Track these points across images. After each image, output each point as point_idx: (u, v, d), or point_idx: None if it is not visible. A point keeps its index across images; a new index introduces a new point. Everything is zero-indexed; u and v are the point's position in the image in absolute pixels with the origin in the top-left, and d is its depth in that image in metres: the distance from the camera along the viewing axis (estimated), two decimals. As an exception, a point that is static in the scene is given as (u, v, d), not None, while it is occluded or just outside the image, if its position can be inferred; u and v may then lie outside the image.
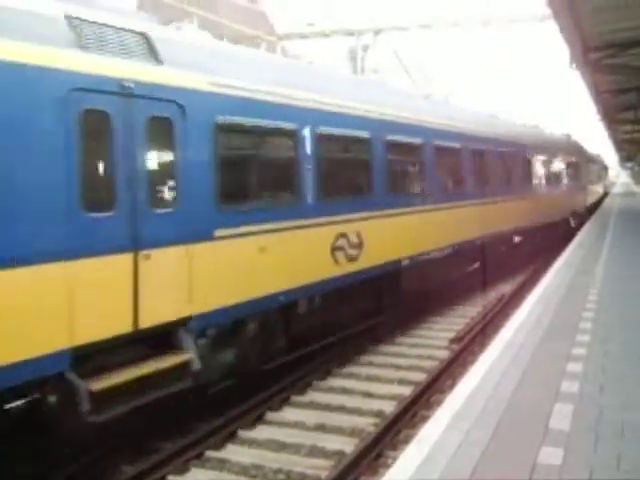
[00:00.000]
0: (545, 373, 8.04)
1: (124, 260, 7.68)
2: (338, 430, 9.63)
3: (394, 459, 6.75)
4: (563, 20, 14.98)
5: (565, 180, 31.20)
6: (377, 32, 25.30)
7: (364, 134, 12.80)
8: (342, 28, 26.56)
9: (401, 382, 11.69)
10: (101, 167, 7.84)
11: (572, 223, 31.96)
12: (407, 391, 11.08)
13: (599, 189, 58.84)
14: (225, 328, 9.53)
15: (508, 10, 29.48)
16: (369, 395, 11.04)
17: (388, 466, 7.31)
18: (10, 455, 7.42)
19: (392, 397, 10.89)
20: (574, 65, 19.58)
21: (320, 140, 11.32)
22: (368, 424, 9.76)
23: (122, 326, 7.67)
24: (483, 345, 12.43)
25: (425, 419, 8.65)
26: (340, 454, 8.77)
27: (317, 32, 28.48)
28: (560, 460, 5.63)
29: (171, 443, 9.07)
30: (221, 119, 9.16)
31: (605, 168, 77.94)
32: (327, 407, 10.55)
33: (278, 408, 10.51)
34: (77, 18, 7.68)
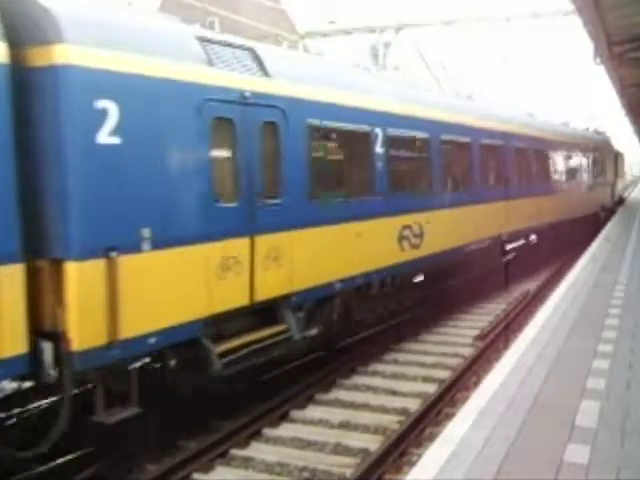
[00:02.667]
0: (571, 370, 7.98)
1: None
2: (363, 428, 9.62)
3: (419, 457, 6.72)
4: (586, 14, 14.84)
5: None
6: (399, 29, 25.19)
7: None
8: (364, 25, 26.49)
9: (426, 380, 11.65)
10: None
11: (601, 216, 32.48)
12: (432, 389, 11.05)
13: (622, 183, 59.51)
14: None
15: (531, 5, 29.28)
16: (394, 393, 11.02)
17: (413, 464, 7.29)
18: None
19: (417, 395, 10.86)
20: (598, 60, 19.37)
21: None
22: (393, 422, 9.74)
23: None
24: (508, 342, 12.37)
25: (450, 417, 8.62)
26: (365, 452, 8.76)
27: (339, 30, 28.41)
28: (586, 458, 5.59)
29: (196, 441, 9.11)
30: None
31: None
32: (352, 405, 10.54)
33: (302, 406, 10.52)
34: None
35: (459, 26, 27.96)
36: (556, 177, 24.29)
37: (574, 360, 8.35)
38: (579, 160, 28.08)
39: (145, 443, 8.73)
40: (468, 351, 13.27)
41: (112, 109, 7.13)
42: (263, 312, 9.60)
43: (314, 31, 29.91)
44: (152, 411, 8.20)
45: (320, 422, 9.91)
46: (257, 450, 9.08)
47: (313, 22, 32.26)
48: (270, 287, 9.49)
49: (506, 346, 11.73)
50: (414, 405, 10.32)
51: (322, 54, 20.19)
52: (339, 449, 8.93)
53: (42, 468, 7.97)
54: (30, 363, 6.77)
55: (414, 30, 26.25)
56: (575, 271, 15.56)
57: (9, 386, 8.05)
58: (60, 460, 8.15)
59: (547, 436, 6.06)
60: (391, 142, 12.60)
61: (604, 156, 34.74)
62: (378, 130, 12.21)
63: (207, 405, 9.70)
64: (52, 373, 6.94)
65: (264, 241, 9.30)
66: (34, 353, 6.80)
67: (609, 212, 34.69)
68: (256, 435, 9.49)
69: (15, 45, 6.73)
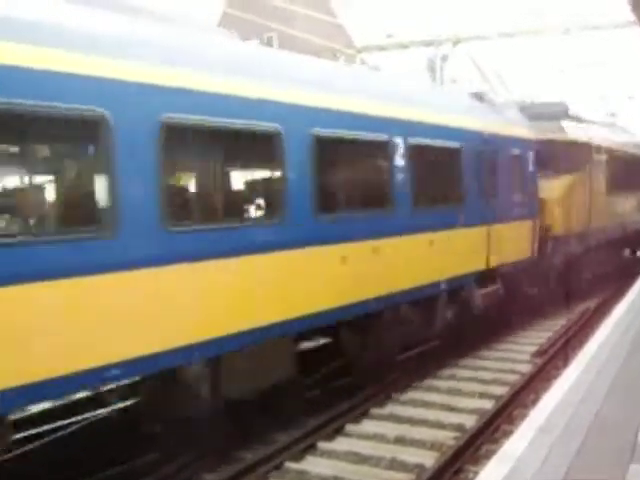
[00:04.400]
0: (632, 388, 7.79)
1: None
2: (418, 443, 9.53)
3: (475, 474, 6.65)
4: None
5: None
6: (456, 42, 25.14)
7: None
8: (421, 39, 26.52)
9: (482, 396, 11.50)
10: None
11: None
12: (489, 405, 10.90)
13: None
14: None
15: (590, 17, 28.83)
16: (450, 408, 10.90)
17: (469, 481, 7.20)
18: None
19: (473, 411, 10.72)
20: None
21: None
22: (449, 438, 9.63)
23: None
24: (567, 359, 12.15)
25: (507, 434, 8.49)
26: (420, 467, 8.67)
27: (396, 43, 28.50)
28: (650, 478, 5.44)
29: (251, 453, 9.14)
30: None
31: None
32: (407, 420, 10.45)
33: (358, 420, 10.48)
34: None
35: (517, 38, 27.75)
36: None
37: (635, 377, 8.16)
38: None
39: (202, 453, 8.80)
40: (526, 367, 13.07)
41: None
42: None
43: (371, 45, 30.03)
44: (209, 420, 8.28)
45: (375, 436, 9.85)
46: (312, 464, 9.06)
47: (370, 36, 32.36)
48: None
49: (565, 363, 11.52)
50: (470, 421, 10.19)
51: (379, 68, 20.18)
52: (394, 464, 8.86)
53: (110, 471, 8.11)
54: None
55: (471, 43, 26.15)
56: (638, 287, 15.24)
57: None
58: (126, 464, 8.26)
59: (608, 456, 5.93)
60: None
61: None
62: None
63: (262, 416, 9.73)
64: None
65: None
66: None
67: None
68: (311, 448, 9.48)
69: None
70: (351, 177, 10.87)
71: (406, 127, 11.26)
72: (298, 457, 9.17)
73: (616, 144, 23.15)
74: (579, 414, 6.96)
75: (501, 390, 11.67)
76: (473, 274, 13.46)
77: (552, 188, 17.42)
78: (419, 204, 11.55)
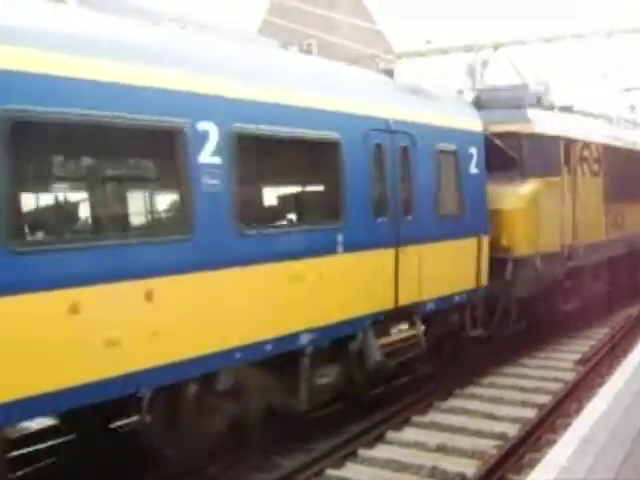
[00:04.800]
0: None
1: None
2: (459, 452, 9.46)
3: (518, 483, 6.58)
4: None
5: None
6: (496, 47, 24.96)
7: None
8: (460, 44, 26.37)
9: (525, 404, 11.37)
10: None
11: None
12: (531, 414, 10.78)
13: None
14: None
15: (634, 21, 28.46)
16: (492, 417, 10.80)
17: (512, 490, 7.13)
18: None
19: (515, 419, 10.61)
20: None
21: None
22: (490, 446, 9.54)
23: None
24: (611, 367, 11.97)
25: (550, 443, 8.40)
26: (461, 476, 8.61)
27: (435, 49, 28.39)
28: (698, 490, 5.34)
29: (290, 459, 9.15)
30: None
31: None
32: (448, 428, 10.38)
33: (399, 428, 10.44)
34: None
35: (559, 42, 27.48)
36: None
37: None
38: None
39: (244, 458, 8.83)
40: (569, 376, 12.90)
41: None
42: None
43: (410, 51, 29.95)
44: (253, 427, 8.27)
45: (416, 444, 9.79)
46: (352, 471, 9.04)
47: (409, 42, 32.31)
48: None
49: (609, 371, 11.35)
50: (513, 430, 10.09)
51: (419, 74, 20.13)
52: (435, 473, 8.79)
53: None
54: None
55: (511, 48, 25.96)
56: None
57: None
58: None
59: (655, 466, 5.83)
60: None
61: None
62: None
63: (302, 423, 9.73)
64: None
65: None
66: None
67: None
68: (351, 455, 9.46)
69: None
70: None
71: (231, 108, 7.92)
72: (338, 464, 9.15)
73: (620, 142, 18.93)
74: (624, 423, 6.86)
75: (544, 399, 11.53)
76: (367, 317, 9.89)
77: (513, 196, 13.44)
78: (255, 223, 8.22)
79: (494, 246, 12.76)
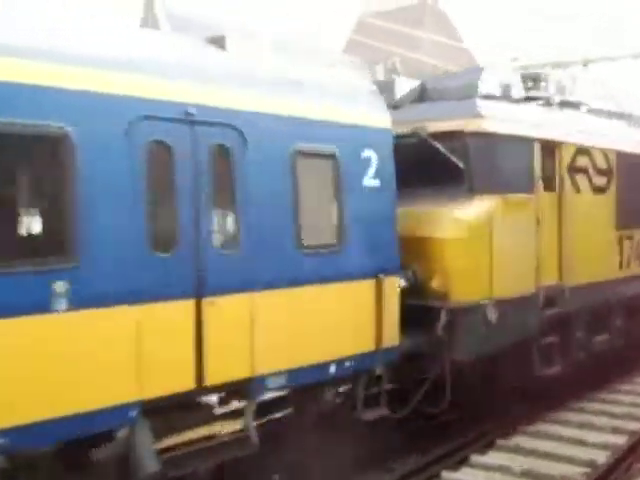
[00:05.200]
0: None
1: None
2: (546, 478, 9.26)
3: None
4: None
5: None
6: (585, 64, 24.53)
7: None
8: (549, 61, 26.01)
9: (615, 430, 11.03)
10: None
11: None
12: (621, 440, 10.46)
13: None
14: None
15: None
16: (580, 443, 10.50)
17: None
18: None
19: (605, 446, 10.29)
20: None
21: None
22: (578, 473, 9.29)
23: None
24: None
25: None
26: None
27: (521, 66, 28.07)
28: None
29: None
30: None
31: None
32: (534, 453, 10.14)
33: (482, 451, 10.28)
34: None
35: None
36: None
37: None
38: None
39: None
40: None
41: None
42: None
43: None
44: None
45: (501, 469, 9.60)
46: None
47: (495, 59, 32.08)
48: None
49: None
50: (602, 457, 9.79)
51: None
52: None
53: None
54: None
55: (600, 65, 25.49)
56: None
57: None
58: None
59: None
60: None
61: None
62: None
63: (377, 444, 9.68)
64: None
65: None
66: None
67: None
68: (435, 478, 9.37)
69: None
70: None
71: None
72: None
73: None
74: None
75: (635, 425, 11.18)
76: (131, 405, 6.42)
77: (450, 219, 9.88)
78: None
79: (420, 290, 9.66)
